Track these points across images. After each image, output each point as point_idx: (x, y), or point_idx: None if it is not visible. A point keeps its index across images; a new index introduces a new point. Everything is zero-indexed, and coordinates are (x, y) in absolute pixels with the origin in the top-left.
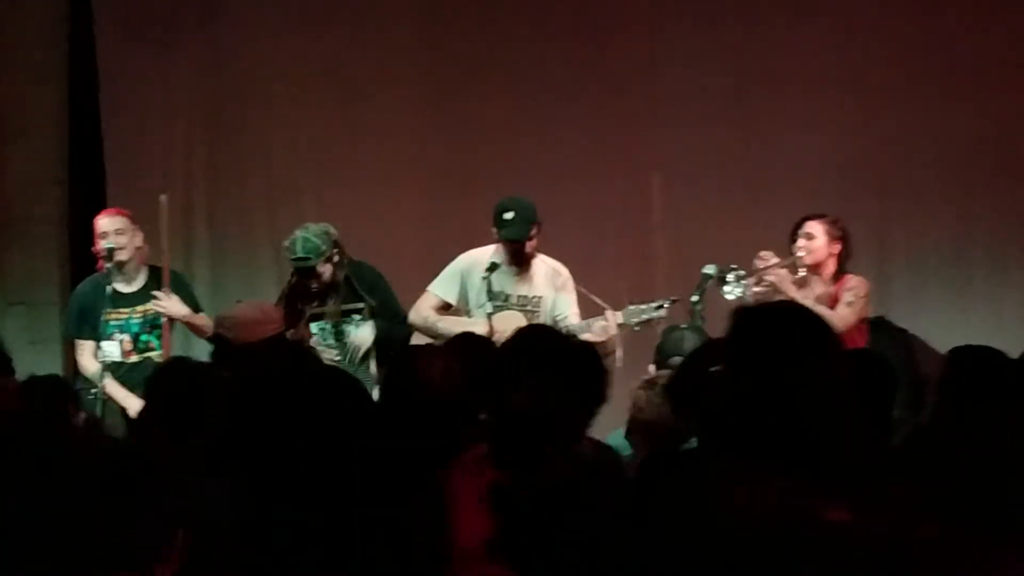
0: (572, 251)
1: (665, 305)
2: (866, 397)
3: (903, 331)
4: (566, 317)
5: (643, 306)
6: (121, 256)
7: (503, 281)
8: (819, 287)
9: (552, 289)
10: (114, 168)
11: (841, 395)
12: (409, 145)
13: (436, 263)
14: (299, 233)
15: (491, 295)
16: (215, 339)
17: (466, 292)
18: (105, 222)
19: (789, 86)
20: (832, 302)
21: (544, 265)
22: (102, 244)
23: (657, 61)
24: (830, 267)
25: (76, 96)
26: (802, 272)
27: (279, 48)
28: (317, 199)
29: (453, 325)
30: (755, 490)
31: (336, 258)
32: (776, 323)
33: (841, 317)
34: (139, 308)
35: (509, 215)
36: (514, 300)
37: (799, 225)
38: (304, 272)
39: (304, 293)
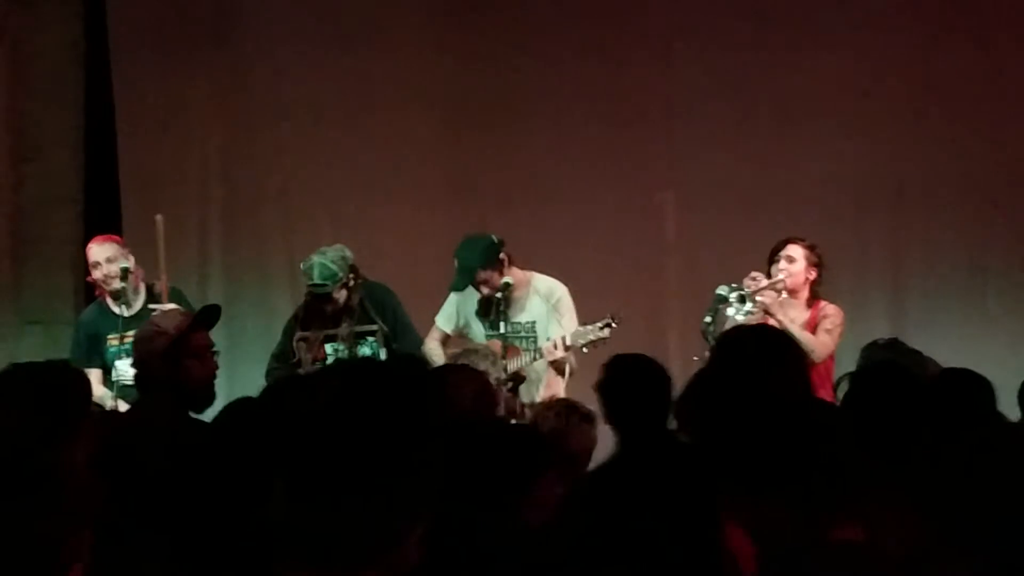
0: (585, 270)
1: (611, 324)
2: (894, 413)
3: (917, 352)
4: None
5: (589, 327)
6: (127, 279)
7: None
8: (793, 311)
9: (545, 311)
10: (129, 187)
11: (838, 415)
12: (425, 164)
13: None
14: (316, 259)
15: (504, 319)
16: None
17: (466, 320)
18: (96, 250)
19: (804, 106)
20: (809, 328)
21: (537, 288)
22: (97, 273)
23: (672, 81)
24: (804, 293)
25: (91, 116)
26: (784, 295)
27: (294, 68)
28: (333, 219)
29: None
30: (764, 510)
31: (351, 283)
32: (755, 342)
33: (822, 343)
34: None
35: (455, 262)
36: (508, 328)
37: (780, 247)
38: (320, 297)
39: (318, 316)
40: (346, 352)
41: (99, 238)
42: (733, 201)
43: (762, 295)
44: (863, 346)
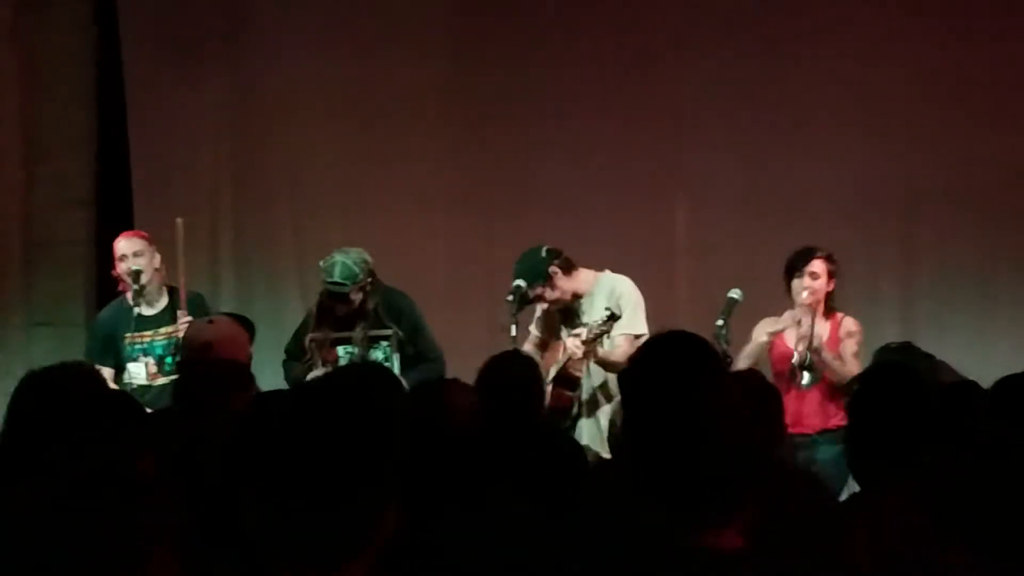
0: None
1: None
2: (901, 413)
3: (930, 357)
4: (612, 339)
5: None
6: (144, 279)
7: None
8: (818, 327)
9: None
10: (141, 190)
11: (732, 418)
12: (435, 169)
13: (461, 287)
14: (338, 257)
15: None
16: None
17: (549, 323)
18: (123, 244)
19: (815, 112)
20: (832, 342)
21: (601, 287)
22: (123, 266)
23: (682, 86)
24: (822, 304)
25: (103, 118)
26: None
27: (305, 72)
28: (343, 222)
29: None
30: (642, 518)
31: (368, 286)
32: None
33: (854, 373)
34: (162, 330)
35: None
36: (569, 333)
37: (802, 262)
38: (336, 296)
39: (331, 316)
40: (359, 356)
41: (127, 233)
42: (744, 205)
43: (806, 314)
44: (875, 350)
